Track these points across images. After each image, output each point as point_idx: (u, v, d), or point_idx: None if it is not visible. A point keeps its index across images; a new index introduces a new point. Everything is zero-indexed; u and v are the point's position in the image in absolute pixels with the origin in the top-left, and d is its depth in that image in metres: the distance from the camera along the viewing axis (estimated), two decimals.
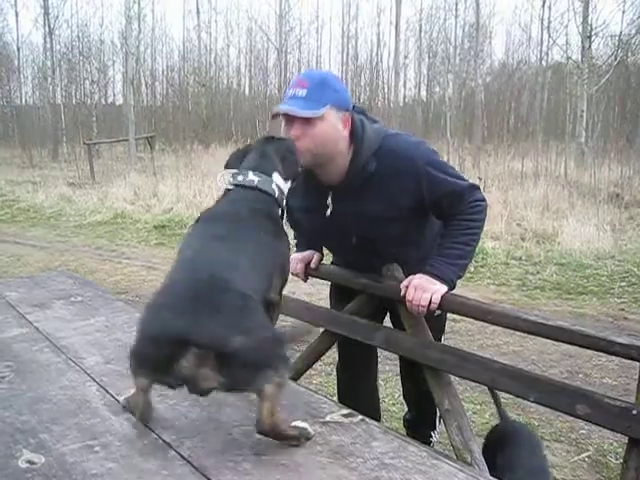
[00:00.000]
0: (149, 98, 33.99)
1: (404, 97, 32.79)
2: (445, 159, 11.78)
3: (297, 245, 2.95)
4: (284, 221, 2.08)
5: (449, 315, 5.17)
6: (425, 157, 2.33)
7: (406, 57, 32.06)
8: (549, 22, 23.01)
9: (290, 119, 2.25)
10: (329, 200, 2.44)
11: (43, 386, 2.20)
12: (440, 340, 2.72)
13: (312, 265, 2.85)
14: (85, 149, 19.48)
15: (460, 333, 5.34)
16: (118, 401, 2.03)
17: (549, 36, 22.83)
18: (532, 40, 28.24)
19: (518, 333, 4.82)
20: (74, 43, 32.23)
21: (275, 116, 2.32)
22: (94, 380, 2.22)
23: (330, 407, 2.01)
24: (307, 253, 2.87)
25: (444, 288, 2.32)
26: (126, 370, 2.32)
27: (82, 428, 1.87)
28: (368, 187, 2.35)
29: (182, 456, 1.70)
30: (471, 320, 4.76)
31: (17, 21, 41.36)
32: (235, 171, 2.02)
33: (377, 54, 33.06)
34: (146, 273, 7.77)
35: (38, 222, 12.00)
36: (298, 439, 1.72)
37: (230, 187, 2.02)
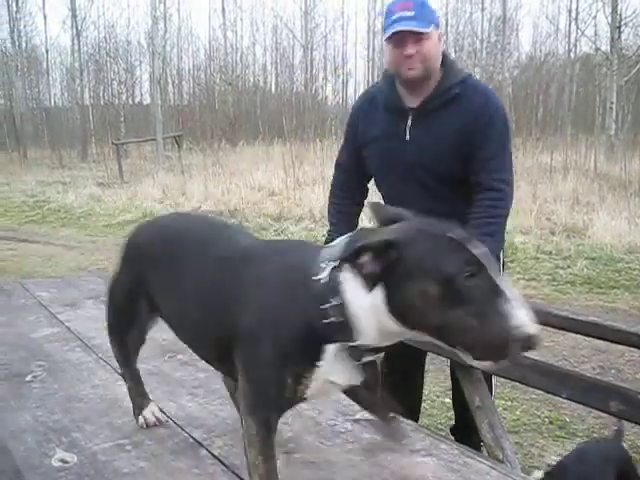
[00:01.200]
0: (176, 97, 34.14)
1: None
2: None
3: (326, 242, 2.81)
4: None
5: None
6: (500, 110, 2.48)
7: None
8: (577, 13, 22.71)
9: (401, 40, 2.35)
10: (409, 122, 2.49)
11: (75, 385, 2.22)
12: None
13: None
14: (113, 149, 19.63)
15: None
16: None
17: (577, 27, 22.55)
18: (560, 32, 27.92)
19: (549, 328, 4.78)
20: (101, 44, 32.53)
21: (389, 39, 2.39)
22: (125, 379, 2.24)
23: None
24: None
25: None
26: (155, 368, 2.34)
27: (113, 427, 1.89)
28: (449, 110, 2.43)
29: (213, 455, 1.71)
30: None
31: (45, 24, 41.71)
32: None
33: None
34: None
35: (68, 222, 12.12)
36: None
37: None
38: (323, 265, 1.39)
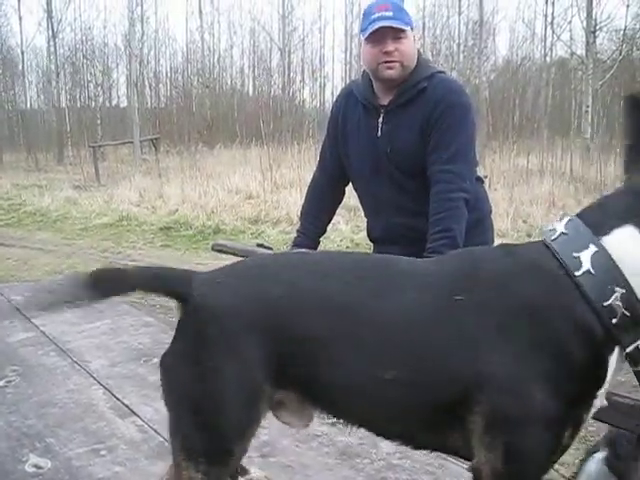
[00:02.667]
0: (153, 100, 33.94)
1: None
2: None
3: (294, 243, 2.88)
4: None
5: None
6: (467, 102, 2.55)
7: None
8: (553, 18, 22.89)
9: (381, 38, 2.42)
10: (381, 119, 2.57)
11: (49, 390, 2.20)
12: None
13: None
14: (90, 152, 19.47)
15: None
16: (124, 404, 2.03)
17: (553, 32, 22.71)
18: (536, 36, 28.08)
19: None
20: (78, 46, 32.25)
21: (368, 38, 2.45)
22: (100, 383, 2.23)
23: None
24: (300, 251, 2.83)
25: None
26: (130, 372, 2.32)
27: (88, 432, 1.87)
28: (414, 105, 2.50)
29: None
30: None
31: (21, 25, 41.19)
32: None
33: None
34: None
35: (44, 225, 12.00)
36: None
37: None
38: (575, 255, 1.12)
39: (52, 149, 27.69)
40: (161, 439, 1.79)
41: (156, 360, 2.44)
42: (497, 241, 7.76)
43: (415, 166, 2.53)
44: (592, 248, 1.09)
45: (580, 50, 19.96)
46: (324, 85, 34.59)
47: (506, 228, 8.91)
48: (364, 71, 2.68)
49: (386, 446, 1.74)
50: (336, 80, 45.16)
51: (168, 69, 34.84)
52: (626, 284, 1.06)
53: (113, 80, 34.57)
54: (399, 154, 2.54)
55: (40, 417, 1.97)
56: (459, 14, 26.96)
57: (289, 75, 30.32)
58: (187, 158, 18.44)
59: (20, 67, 34.24)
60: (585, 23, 18.06)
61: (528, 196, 10.84)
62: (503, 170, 13.50)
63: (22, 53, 32.86)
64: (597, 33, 18.11)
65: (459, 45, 26.52)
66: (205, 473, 1.35)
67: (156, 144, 21.21)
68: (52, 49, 29.59)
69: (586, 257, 1.09)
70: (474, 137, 2.58)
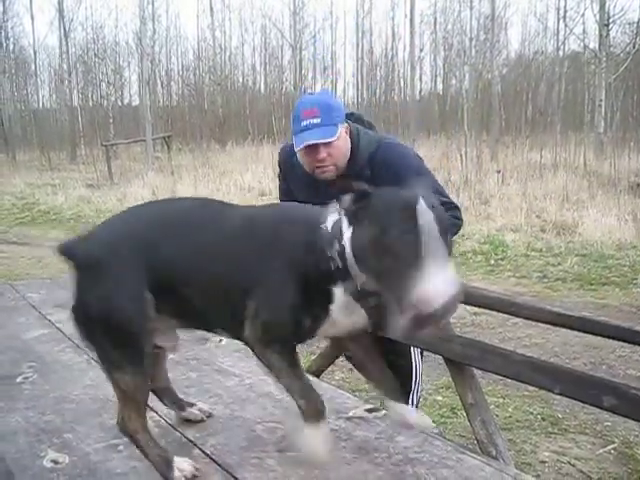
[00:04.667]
0: (165, 98, 34.08)
1: (420, 91, 32.63)
2: (462, 152, 11.57)
3: None
4: None
5: (470, 308, 5.15)
6: (415, 171, 2.45)
7: (421, 50, 31.86)
8: (565, 11, 22.77)
9: (313, 149, 2.43)
10: (325, 187, 2.55)
11: (66, 386, 2.21)
12: None
13: None
14: (103, 150, 19.56)
15: (481, 326, 5.31)
16: None
17: (565, 25, 22.60)
18: (548, 30, 27.99)
19: (540, 325, 4.78)
20: (89, 45, 32.39)
21: (300, 149, 2.45)
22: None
23: (353, 402, 2.00)
24: None
25: None
26: None
27: (105, 427, 1.87)
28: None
29: (206, 454, 1.70)
30: (492, 313, 4.74)
31: (33, 25, 41.61)
32: None
33: (392, 48, 32.90)
34: None
35: (58, 224, 12.06)
36: None
37: None
38: (329, 218, 1.61)
39: (65, 148, 27.84)
40: (178, 434, 1.80)
41: (171, 356, 2.45)
42: (510, 237, 7.71)
43: None
44: (335, 216, 1.59)
45: (593, 43, 19.84)
46: (336, 81, 34.59)
47: (519, 223, 8.88)
48: None
49: (404, 440, 1.74)
50: (347, 76, 45.12)
51: (180, 67, 34.97)
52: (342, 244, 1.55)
53: (125, 79, 34.73)
54: None
55: (57, 413, 1.98)
56: (471, 8, 26.81)
57: (301, 72, 30.33)
58: (199, 156, 18.50)
59: (32, 67, 34.45)
60: (598, 16, 17.93)
61: (542, 191, 10.80)
62: (516, 165, 13.46)
63: (34, 52, 33.06)
64: (610, 26, 17.98)
65: (471, 40, 26.36)
66: (132, 374, 1.67)
67: (168, 142, 21.28)
68: (64, 48, 29.70)
69: (330, 220, 1.60)
70: (437, 184, 2.57)
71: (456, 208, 2.51)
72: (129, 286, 1.69)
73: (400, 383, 2.86)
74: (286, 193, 2.86)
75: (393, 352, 2.77)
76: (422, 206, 1.41)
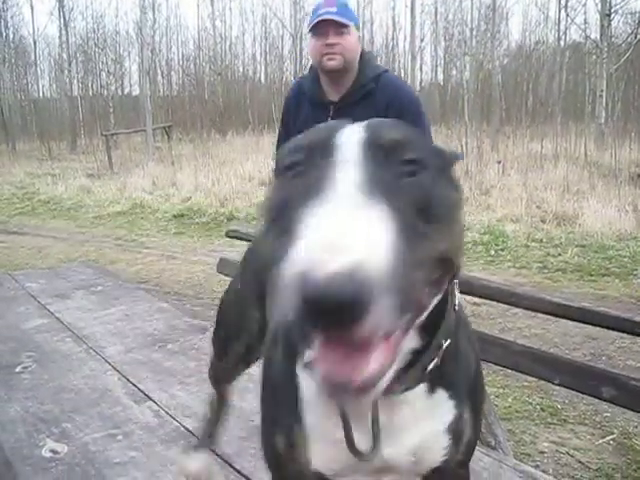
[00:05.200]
0: (165, 88, 34.01)
1: (421, 81, 32.57)
2: (463, 142, 11.53)
3: None
4: None
5: (470, 298, 5.15)
6: (413, 98, 2.70)
7: (422, 40, 31.78)
8: (567, 1, 22.65)
9: (324, 31, 2.60)
10: (330, 115, 2.69)
11: (65, 376, 2.21)
12: None
13: None
14: (103, 140, 19.51)
15: (482, 316, 5.30)
16: (139, 390, 2.04)
17: (567, 15, 22.49)
18: (549, 20, 27.89)
19: (540, 316, 4.77)
20: (89, 35, 32.32)
21: (313, 29, 2.63)
22: (115, 369, 2.23)
23: None
24: None
25: None
26: (145, 358, 2.33)
27: (104, 417, 1.87)
28: (363, 105, 2.64)
29: None
30: (492, 303, 4.73)
31: (32, 14, 41.57)
32: None
33: (393, 38, 32.84)
34: (166, 262, 7.78)
35: (58, 214, 12.05)
36: None
37: None
38: None
39: (65, 138, 27.79)
40: (176, 424, 1.80)
41: (170, 346, 2.45)
42: (510, 227, 7.67)
43: None
44: None
45: (594, 34, 19.77)
46: None
47: (520, 213, 8.86)
48: (311, 67, 2.84)
49: None
50: None
51: (180, 57, 34.89)
52: None
53: (125, 68, 34.68)
54: None
55: (56, 402, 1.98)
56: None
57: (301, 62, 30.23)
58: (200, 146, 18.47)
59: (32, 56, 34.38)
60: (600, 6, 17.83)
61: (542, 181, 10.77)
62: (517, 155, 13.43)
63: (34, 42, 33.01)
64: (612, 16, 17.88)
65: (472, 30, 26.31)
66: None
67: (169, 132, 21.25)
68: (64, 38, 29.65)
69: None
70: (430, 128, 2.80)
71: None
72: None
73: None
74: (287, 136, 2.92)
75: None
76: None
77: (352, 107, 2.66)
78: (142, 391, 2.01)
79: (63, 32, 29.33)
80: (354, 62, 2.66)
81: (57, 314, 2.93)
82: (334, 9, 2.58)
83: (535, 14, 31.67)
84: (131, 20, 39.25)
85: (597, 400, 2.33)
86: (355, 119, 2.55)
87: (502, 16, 26.87)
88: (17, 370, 2.28)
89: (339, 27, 2.58)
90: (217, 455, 1.63)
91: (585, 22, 21.81)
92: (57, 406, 1.96)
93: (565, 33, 24.65)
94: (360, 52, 2.70)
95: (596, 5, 18.35)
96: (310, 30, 2.66)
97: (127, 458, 1.63)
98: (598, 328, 2.18)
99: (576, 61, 26.49)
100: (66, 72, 30.48)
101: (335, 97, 2.72)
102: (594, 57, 19.57)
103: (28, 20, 32.99)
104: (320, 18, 2.58)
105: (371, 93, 2.66)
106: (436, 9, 31.07)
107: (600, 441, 3.40)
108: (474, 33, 26.15)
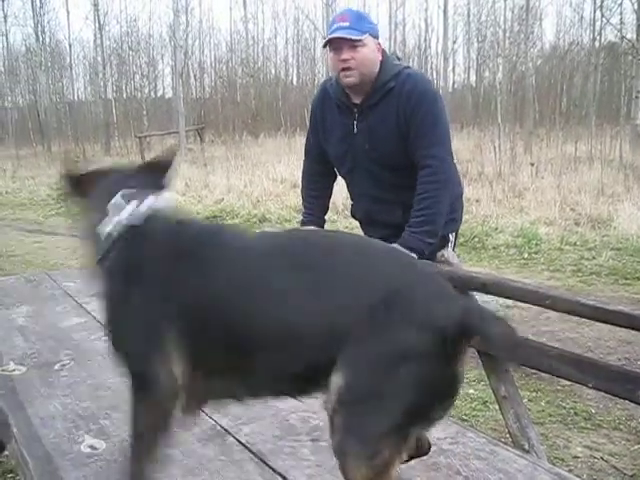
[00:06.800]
0: (198, 90, 34.28)
1: (453, 83, 32.45)
2: (496, 144, 11.42)
3: (301, 222, 3.21)
4: None
5: (503, 301, 5.12)
6: (432, 91, 2.77)
7: (455, 42, 31.65)
8: (602, 1, 22.39)
9: (339, 47, 2.66)
10: (355, 117, 2.79)
11: (102, 374, 2.24)
12: None
13: None
14: (136, 142, 19.76)
15: (514, 319, 5.26)
16: None
17: (602, 15, 22.17)
18: (584, 20, 27.59)
19: (574, 319, 4.73)
20: (124, 38, 32.71)
21: (326, 45, 2.72)
22: None
23: None
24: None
25: (414, 255, 2.50)
26: None
27: None
28: (386, 102, 2.71)
29: (240, 442, 1.72)
30: (525, 306, 4.70)
31: (68, 19, 42.34)
32: None
33: (425, 40, 32.77)
34: None
35: None
36: None
37: None
38: None
39: (99, 140, 28.16)
40: (213, 422, 1.82)
41: None
42: (544, 230, 7.62)
43: (392, 159, 2.76)
44: None
45: (630, 34, 19.47)
46: None
47: (554, 216, 8.78)
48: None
49: (436, 431, 1.74)
50: None
51: (212, 59, 35.15)
52: None
53: (158, 71, 35.01)
54: (376, 150, 2.77)
55: (94, 400, 2.01)
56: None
57: None
58: (232, 147, 18.57)
59: (68, 60, 34.87)
60: (636, 5, 17.63)
61: (576, 184, 10.66)
62: (550, 158, 13.31)
63: (70, 46, 33.50)
64: None
65: (505, 31, 26.05)
66: None
67: (201, 134, 21.43)
68: (99, 41, 30.03)
69: None
70: (447, 121, 2.82)
71: (445, 161, 2.72)
72: None
73: None
74: (315, 144, 3.07)
75: None
76: None
77: (375, 107, 2.74)
78: None
79: (98, 36, 29.71)
80: (372, 72, 2.70)
81: (94, 313, 2.97)
82: (347, 23, 2.63)
83: (569, 14, 31.34)
84: (164, 23, 39.65)
85: (632, 405, 2.31)
86: (379, 118, 2.66)
87: (536, 17, 26.57)
88: (56, 368, 2.32)
89: (352, 42, 2.63)
90: (252, 453, 1.65)
91: (621, 22, 21.52)
92: (95, 403, 2.00)
93: (600, 33, 24.31)
94: (381, 56, 2.73)
95: (632, 5, 18.13)
96: (324, 46, 2.75)
97: (163, 455, 1.66)
98: (633, 332, 2.16)
99: (611, 62, 26.14)
100: (100, 75, 30.85)
101: (358, 99, 2.77)
102: (630, 57, 19.29)
103: (64, 24, 33.58)
104: (330, 36, 2.66)
105: (391, 91, 2.70)
106: (469, 10, 30.93)
107: (636, 447, 3.37)
108: (507, 34, 25.90)
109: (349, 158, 2.91)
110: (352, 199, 3.14)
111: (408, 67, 2.81)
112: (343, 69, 2.67)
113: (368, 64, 2.67)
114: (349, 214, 3.33)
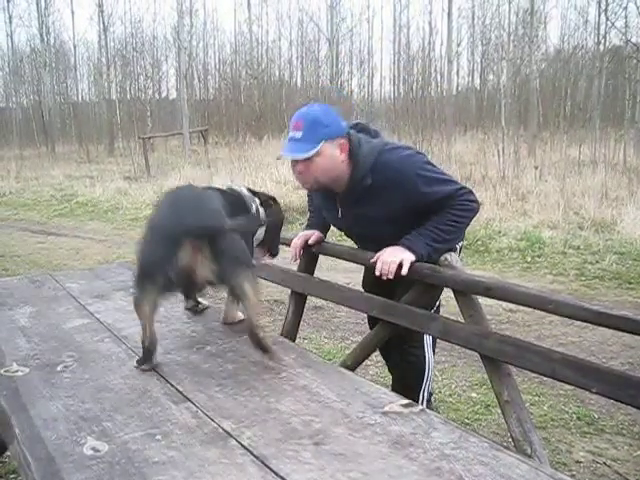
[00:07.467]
0: (202, 92, 34.33)
1: (457, 86, 32.37)
2: (499, 148, 11.42)
3: (307, 225, 3.27)
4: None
5: (506, 305, 5.12)
6: (415, 169, 2.59)
7: (459, 45, 31.68)
8: (607, 4, 22.27)
9: (292, 161, 2.67)
10: (338, 203, 2.81)
11: (105, 375, 2.24)
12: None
13: (310, 241, 3.14)
14: (140, 143, 19.75)
15: (517, 323, 5.26)
16: (178, 390, 2.06)
17: (607, 19, 22.14)
18: (589, 24, 27.55)
19: (577, 324, 4.73)
20: (128, 39, 32.80)
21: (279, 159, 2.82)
22: (154, 370, 2.26)
23: (389, 397, 2.00)
24: (309, 231, 3.17)
25: (412, 257, 2.59)
26: (184, 359, 2.36)
27: (143, 417, 1.90)
28: (367, 197, 2.66)
29: (242, 445, 1.71)
30: (528, 310, 4.70)
31: (73, 20, 42.29)
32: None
33: (429, 43, 32.71)
34: None
35: (96, 216, 12.24)
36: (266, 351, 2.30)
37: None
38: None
39: (103, 141, 28.23)
40: (215, 425, 1.82)
41: (209, 348, 2.48)
42: (547, 234, 7.60)
43: (385, 234, 2.71)
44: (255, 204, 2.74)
45: (635, 37, 19.47)
46: (372, 76, 34.49)
47: (557, 220, 8.77)
48: None
49: (439, 436, 1.74)
50: (384, 71, 44.82)
51: (217, 61, 35.22)
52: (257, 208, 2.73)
53: (162, 72, 35.10)
54: (365, 231, 2.84)
55: (97, 401, 2.01)
56: (509, 2, 26.47)
57: (337, 66, 30.31)
58: (236, 149, 18.60)
59: (72, 61, 34.97)
60: None
61: (580, 187, 10.65)
62: (554, 161, 13.31)
63: (74, 47, 33.63)
64: None
65: (509, 34, 26.06)
66: None
67: (205, 135, 21.42)
68: (103, 42, 30.14)
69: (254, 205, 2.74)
70: (442, 174, 2.66)
71: (470, 192, 2.66)
72: None
73: (412, 376, 2.93)
74: (315, 206, 3.21)
75: (409, 341, 2.84)
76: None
77: (356, 203, 2.71)
78: (181, 392, 2.04)
79: (102, 37, 29.81)
80: (335, 176, 2.65)
81: (97, 314, 2.97)
82: (299, 134, 2.58)
83: (574, 18, 31.35)
84: (168, 25, 39.70)
85: (636, 410, 2.31)
86: (362, 211, 2.72)
87: (540, 20, 26.55)
88: (58, 369, 2.32)
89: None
90: (255, 457, 1.65)
91: (626, 26, 21.50)
92: (97, 405, 2.00)
93: (605, 37, 24.27)
94: (348, 148, 2.63)
95: (637, 8, 18.11)
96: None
97: (166, 458, 1.66)
98: (636, 337, 2.16)
99: (616, 65, 26.08)
100: (105, 76, 30.96)
101: (339, 191, 2.75)
102: (635, 61, 19.26)
103: (69, 25, 33.73)
104: (280, 156, 2.70)
105: (370, 188, 2.63)
106: (473, 13, 30.95)
107: (639, 452, 3.36)
108: (511, 37, 25.90)
109: (343, 231, 3.06)
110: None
111: (383, 148, 2.67)
112: (298, 178, 2.70)
113: (324, 172, 2.62)
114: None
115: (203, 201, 2.35)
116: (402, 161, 2.62)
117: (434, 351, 3.01)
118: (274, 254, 2.98)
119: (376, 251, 2.79)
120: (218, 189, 2.69)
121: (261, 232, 2.77)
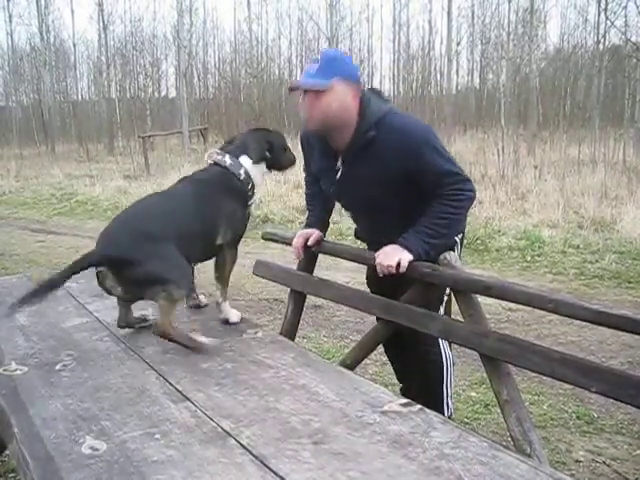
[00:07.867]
0: (202, 90, 34.35)
1: (457, 85, 32.38)
2: (499, 147, 11.44)
3: (306, 224, 3.20)
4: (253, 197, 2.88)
5: (505, 304, 5.12)
6: (422, 134, 2.59)
7: (458, 44, 31.65)
8: (607, 3, 22.26)
9: (302, 93, 2.62)
10: (339, 163, 2.75)
11: (104, 374, 2.24)
12: (437, 310, 2.78)
13: (310, 242, 3.07)
14: (140, 142, 19.76)
15: (517, 322, 5.26)
16: (177, 390, 2.06)
17: (606, 18, 22.10)
18: (588, 23, 27.51)
19: (576, 323, 4.73)
20: (128, 38, 32.79)
21: (292, 90, 2.74)
22: (153, 369, 2.26)
23: (388, 397, 2.00)
24: (309, 230, 3.11)
25: (410, 256, 2.57)
26: (183, 359, 2.36)
27: (142, 416, 1.90)
28: (368, 152, 2.62)
29: (241, 444, 1.71)
30: (528, 309, 4.70)
31: (73, 18, 42.32)
32: (217, 151, 2.87)
33: (429, 42, 32.72)
34: (201, 263, 7.84)
35: (95, 214, 12.23)
36: (187, 347, 2.43)
37: (210, 162, 2.84)
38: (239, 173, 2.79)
39: (103, 139, 28.22)
40: (214, 424, 1.82)
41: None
42: (547, 233, 7.59)
43: (382, 204, 2.71)
44: (243, 168, 2.79)
45: (635, 37, 19.48)
46: (372, 74, 34.47)
47: (557, 219, 8.77)
48: None
49: (438, 435, 1.74)
50: (384, 70, 44.83)
51: (216, 60, 35.22)
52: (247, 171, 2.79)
53: (162, 71, 35.10)
54: (362, 195, 2.75)
55: (95, 400, 2.01)
56: (509, 1, 26.46)
57: None
58: None
59: (72, 59, 34.96)
60: None
61: (579, 186, 10.66)
62: (554, 160, 13.31)
63: (74, 45, 33.63)
64: None
65: (509, 33, 26.06)
66: None
67: (205, 134, 21.44)
68: (103, 41, 30.10)
69: (241, 172, 2.78)
70: (447, 152, 2.64)
71: (467, 180, 2.62)
72: None
73: (434, 377, 2.89)
74: (308, 172, 3.19)
75: (424, 343, 2.81)
76: None
77: (357, 157, 2.66)
78: (180, 391, 2.04)
79: (102, 35, 29.78)
80: (342, 119, 2.60)
81: (96, 314, 2.97)
82: (315, 67, 2.56)
83: (574, 17, 31.33)
84: (168, 24, 39.67)
85: (635, 409, 2.30)
86: (363, 168, 2.67)
87: (540, 19, 26.57)
88: (57, 368, 2.31)
89: (314, 91, 2.57)
90: (254, 456, 1.64)
91: (625, 25, 21.49)
92: (96, 404, 2.00)
93: (604, 36, 24.23)
94: (359, 98, 2.61)
95: (637, 7, 18.10)
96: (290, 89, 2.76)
97: (165, 457, 1.66)
98: (636, 336, 2.15)
99: (615, 65, 26.09)
100: (104, 75, 30.94)
101: (340, 146, 2.70)
102: (634, 60, 19.26)
103: (68, 24, 33.71)
104: (289, 85, 2.71)
105: (373, 141, 2.59)
106: (473, 12, 30.93)
107: (638, 451, 3.36)
108: (511, 36, 25.91)
109: (341, 199, 2.97)
110: (353, 221, 3.16)
111: (391, 110, 2.68)
112: (305, 115, 2.65)
113: (332, 111, 2.57)
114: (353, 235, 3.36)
115: (127, 224, 2.59)
116: (409, 123, 2.64)
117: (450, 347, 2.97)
118: (286, 167, 3.09)
119: (370, 229, 2.87)
120: (198, 179, 2.80)
121: (255, 198, 2.89)
